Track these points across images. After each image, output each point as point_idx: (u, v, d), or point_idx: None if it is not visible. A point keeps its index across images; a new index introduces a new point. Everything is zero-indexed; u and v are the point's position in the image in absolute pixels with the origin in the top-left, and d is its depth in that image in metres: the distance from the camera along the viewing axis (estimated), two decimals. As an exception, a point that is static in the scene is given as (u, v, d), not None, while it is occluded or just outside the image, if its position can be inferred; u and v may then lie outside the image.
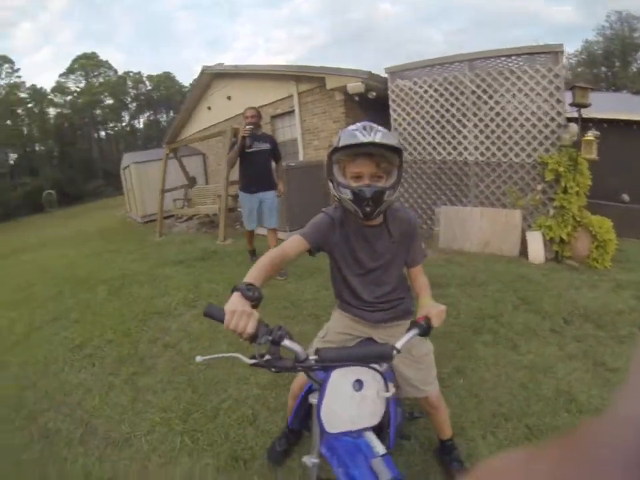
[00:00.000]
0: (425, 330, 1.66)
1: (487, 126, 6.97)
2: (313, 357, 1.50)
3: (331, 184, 1.89)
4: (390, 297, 2.12)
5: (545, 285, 5.27)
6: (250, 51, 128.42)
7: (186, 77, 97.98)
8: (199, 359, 1.40)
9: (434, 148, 7.56)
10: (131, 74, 64.96)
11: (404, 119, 7.91)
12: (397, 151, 1.77)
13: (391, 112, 8.09)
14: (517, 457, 0.39)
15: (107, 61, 62.66)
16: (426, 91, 7.56)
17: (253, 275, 1.61)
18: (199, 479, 2.53)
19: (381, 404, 1.58)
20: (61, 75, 60.41)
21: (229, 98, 12.95)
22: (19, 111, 56.34)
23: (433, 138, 7.55)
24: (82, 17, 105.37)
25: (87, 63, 60.19)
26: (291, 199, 8.51)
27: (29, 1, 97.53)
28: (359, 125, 1.79)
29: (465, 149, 7.22)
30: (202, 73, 14.01)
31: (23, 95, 56.76)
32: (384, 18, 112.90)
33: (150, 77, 65.62)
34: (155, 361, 3.96)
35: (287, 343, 1.46)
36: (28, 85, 57.70)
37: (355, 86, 8.42)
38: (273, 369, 1.44)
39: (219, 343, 4.10)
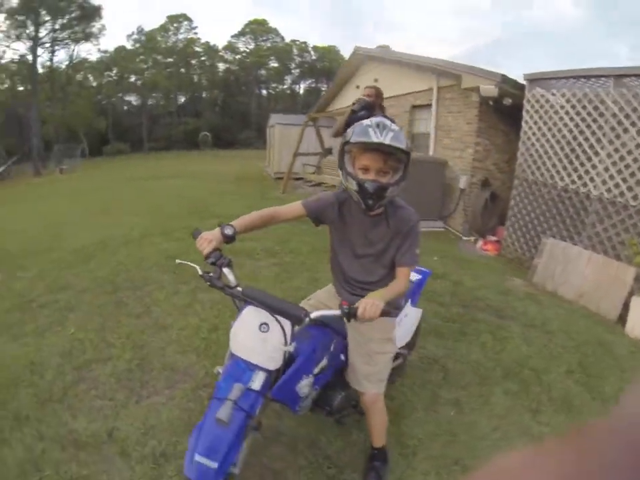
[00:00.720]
0: (345, 314, 1.77)
1: (622, 158, 5.75)
2: (239, 288, 1.86)
3: (340, 171, 2.04)
4: (374, 287, 2.12)
5: (622, 364, 4.03)
6: (418, 36, 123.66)
7: (349, 52, 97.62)
8: (177, 261, 2.07)
9: (557, 172, 6.75)
10: (297, 42, 67.64)
11: (534, 134, 7.20)
12: (405, 152, 1.91)
13: (523, 123, 7.43)
14: (525, 456, 0.38)
15: (275, 29, 66.59)
16: (562, 106, 6.65)
17: (240, 220, 2.00)
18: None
19: (280, 355, 1.80)
20: (232, 36, 65.96)
21: (375, 80, 12.92)
22: (193, 61, 63.36)
23: (560, 160, 6.72)
24: None
25: (257, 29, 64.98)
26: (406, 190, 8.37)
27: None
28: (373, 120, 1.91)
29: (592, 180, 6.20)
30: (354, 52, 14.50)
31: (197, 49, 63.45)
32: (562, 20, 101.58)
33: (315, 48, 67.62)
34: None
35: (225, 270, 1.88)
36: (202, 41, 64.18)
37: (488, 89, 7.91)
38: (208, 284, 1.84)
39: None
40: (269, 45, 65.64)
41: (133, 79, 60.02)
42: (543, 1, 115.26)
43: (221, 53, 65.22)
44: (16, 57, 40.56)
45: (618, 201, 5.80)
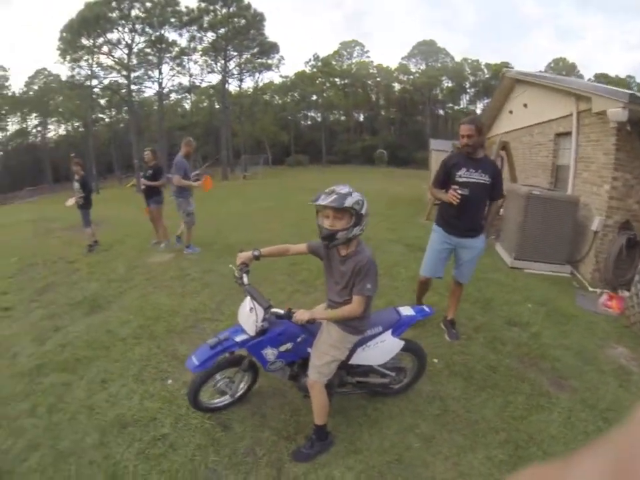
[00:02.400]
0: (282, 315, 2.85)
1: None
2: (246, 284, 3.04)
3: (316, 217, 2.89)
4: (340, 306, 2.95)
5: None
6: (603, 43, 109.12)
7: (525, 67, 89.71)
8: (230, 265, 3.30)
9: None
10: (469, 60, 67.05)
11: None
12: (345, 209, 2.69)
13: None
14: (556, 467, 0.39)
15: (444, 48, 67.42)
16: None
17: (267, 248, 3.15)
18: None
19: (254, 327, 2.98)
20: (403, 58, 68.72)
21: (525, 105, 12.52)
22: (369, 82, 67.18)
23: None
24: (426, 5, 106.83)
25: (426, 50, 66.37)
26: (528, 228, 8.13)
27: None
28: (331, 187, 2.75)
29: None
30: (503, 76, 14.07)
31: (372, 70, 67.70)
32: None
33: (488, 65, 65.58)
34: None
35: (244, 275, 3.09)
36: (375, 63, 68.44)
37: (615, 112, 6.80)
38: (235, 280, 3.12)
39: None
40: (439, 65, 66.21)
41: (313, 97, 66.26)
42: None
43: (394, 74, 67.79)
44: (212, 83, 52.48)
45: None
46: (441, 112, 68.87)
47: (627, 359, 4.87)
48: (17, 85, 64.09)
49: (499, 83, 14.75)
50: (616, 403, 3.89)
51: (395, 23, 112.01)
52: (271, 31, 54.79)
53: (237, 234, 9.95)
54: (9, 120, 61.13)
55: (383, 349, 3.33)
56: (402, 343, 3.40)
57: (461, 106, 68.11)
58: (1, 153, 63.57)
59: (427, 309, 3.71)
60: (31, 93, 59.99)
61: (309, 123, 71.62)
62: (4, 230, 13.42)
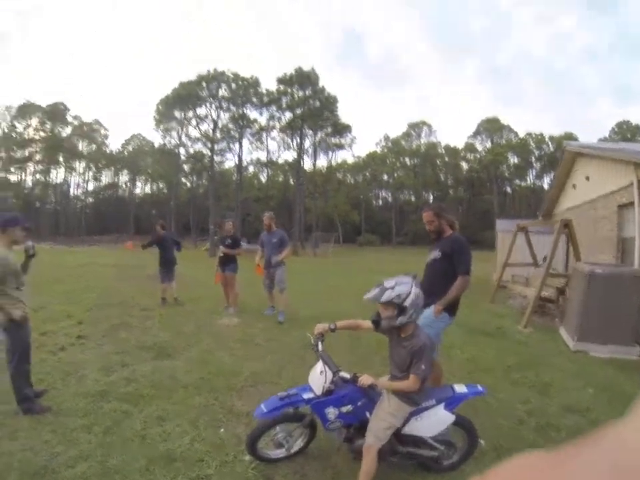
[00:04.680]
0: (348, 379, 3.09)
1: None
2: (320, 350, 3.34)
3: None
4: (400, 379, 3.09)
5: None
6: None
7: (590, 135, 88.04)
8: (307, 333, 3.63)
9: None
10: (533, 135, 67.01)
11: None
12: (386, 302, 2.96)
13: None
14: (536, 460, 0.40)
15: (507, 125, 67.70)
16: None
17: (341, 322, 3.47)
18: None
19: (322, 388, 3.18)
20: (469, 137, 69.92)
21: (587, 178, 12.16)
22: (438, 161, 68.80)
23: None
24: (488, 83, 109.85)
25: (490, 127, 67.04)
26: (590, 308, 7.48)
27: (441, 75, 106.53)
28: (380, 281, 3.08)
29: None
30: (563, 150, 13.83)
31: (440, 150, 69.15)
32: None
33: (552, 138, 65.24)
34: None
35: (320, 344, 3.38)
36: (443, 144, 69.89)
37: None
38: (311, 347, 3.45)
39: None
40: (503, 141, 66.36)
41: (384, 177, 68.26)
42: None
43: (462, 154, 68.91)
44: (288, 159, 55.23)
45: None
46: (509, 189, 68.49)
47: None
48: (114, 144, 76.27)
49: (561, 158, 14.47)
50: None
51: (460, 101, 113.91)
52: (344, 112, 57.50)
53: (305, 309, 9.98)
54: (104, 173, 74.45)
55: (434, 420, 3.36)
56: (453, 417, 3.39)
57: (528, 182, 67.65)
58: (92, 200, 75.28)
59: (480, 387, 3.67)
60: (125, 152, 72.36)
61: (380, 202, 73.19)
62: (89, 269, 14.79)
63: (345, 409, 3.24)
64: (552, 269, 10.60)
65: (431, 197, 70.06)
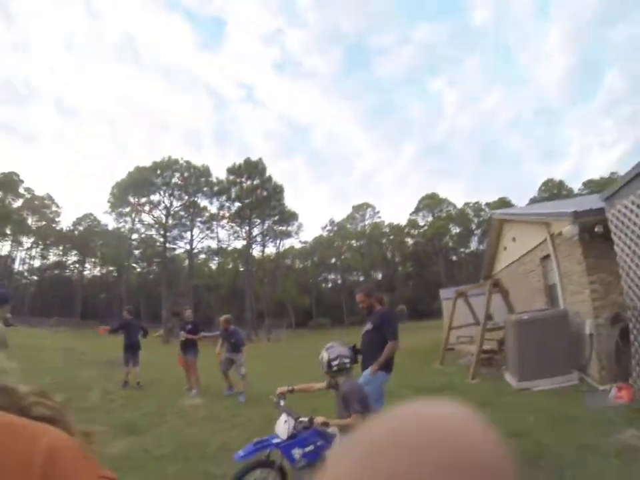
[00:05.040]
0: (306, 423, 3.62)
1: None
2: (282, 405, 3.94)
3: None
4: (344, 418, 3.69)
5: None
6: (584, 153, 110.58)
7: (522, 195, 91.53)
8: (270, 396, 4.29)
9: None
10: (471, 204, 70.98)
11: (627, 254, 6.47)
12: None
13: (615, 247, 6.80)
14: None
15: (446, 198, 71.13)
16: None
17: (297, 385, 4.15)
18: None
19: (287, 433, 3.71)
20: (411, 214, 72.28)
21: (513, 239, 13.29)
22: (383, 241, 70.44)
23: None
24: (426, 160, 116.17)
25: (430, 202, 70.11)
26: (525, 350, 8.39)
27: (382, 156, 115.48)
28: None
29: None
30: (490, 219, 15.17)
31: (384, 230, 71.28)
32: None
33: (488, 204, 68.85)
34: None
35: (281, 401, 3.99)
36: (387, 222, 72.29)
37: (567, 230, 7.73)
38: (274, 405, 4.09)
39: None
40: (443, 214, 69.42)
41: (332, 260, 68.72)
42: None
43: (405, 230, 71.09)
44: (238, 247, 55.33)
45: None
46: (455, 257, 70.59)
47: (637, 439, 4.89)
48: (65, 222, 72.25)
49: (490, 225, 15.69)
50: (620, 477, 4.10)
51: (401, 179, 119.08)
52: (290, 198, 59.16)
53: (264, 388, 9.83)
54: (51, 251, 68.94)
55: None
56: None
57: (471, 248, 69.95)
58: (37, 278, 69.24)
59: None
60: (75, 232, 67.60)
61: (330, 285, 73.43)
62: (36, 353, 14.28)
63: (307, 449, 3.78)
64: (492, 324, 11.56)
65: (380, 275, 71.10)
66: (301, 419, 3.76)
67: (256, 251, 55.99)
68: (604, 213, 7.13)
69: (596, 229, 7.54)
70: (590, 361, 8.20)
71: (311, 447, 3.82)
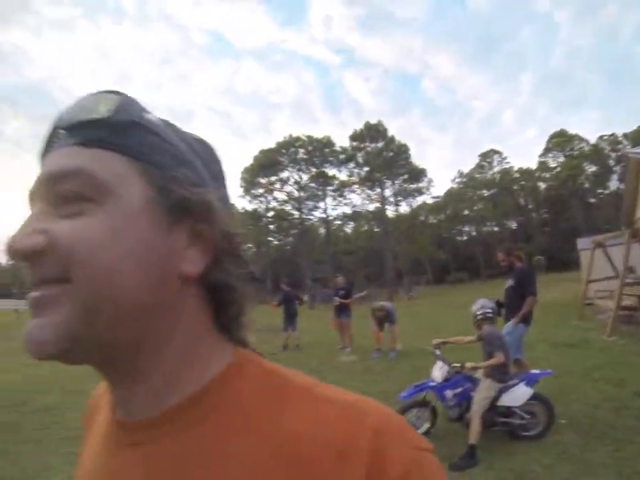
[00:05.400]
0: (457, 368, 4.82)
1: None
2: (438, 354, 5.05)
3: None
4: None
5: None
6: None
7: None
8: (427, 347, 5.71)
9: None
10: (606, 137, 63.96)
11: None
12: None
13: None
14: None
15: (577, 134, 64.46)
16: None
17: (450, 338, 5.38)
18: None
19: (441, 378, 4.72)
20: (540, 155, 67.41)
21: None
22: (515, 187, 67.00)
23: None
24: (545, 93, 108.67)
25: (560, 141, 64.37)
26: None
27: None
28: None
29: None
30: (627, 158, 14.09)
31: (515, 175, 67.56)
32: None
33: (626, 135, 61.69)
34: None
35: (437, 351, 5.10)
36: (516, 168, 68.24)
37: None
38: (433, 354, 5.17)
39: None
40: (577, 152, 63.61)
41: (465, 212, 67.24)
42: None
43: (536, 174, 67.23)
44: (372, 208, 55.25)
45: None
46: (593, 200, 64.65)
47: None
48: None
49: (626, 165, 14.56)
50: None
51: (524, 119, 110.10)
52: (415, 157, 58.21)
53: (410, 344, 10.74)
54: None
55: (518, 394, 4.66)
56: (532, 390, 4.68)
57: (611, 188, 62.80)
58: None
59: (549, 370, 5.12)
60: None
61: (465, 238, 72.07)
62: None
63: (457, 390, 4.67)
64: (634, 278, 11.31)
65: (514, 225, 68.70)
66: (454, 365, 4.76)
67: (390, 212, 55.98)
68: None
69: None
70: None
71: (460, 389, 4.70)
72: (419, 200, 58.29)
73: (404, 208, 58.18)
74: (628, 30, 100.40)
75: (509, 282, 6.33)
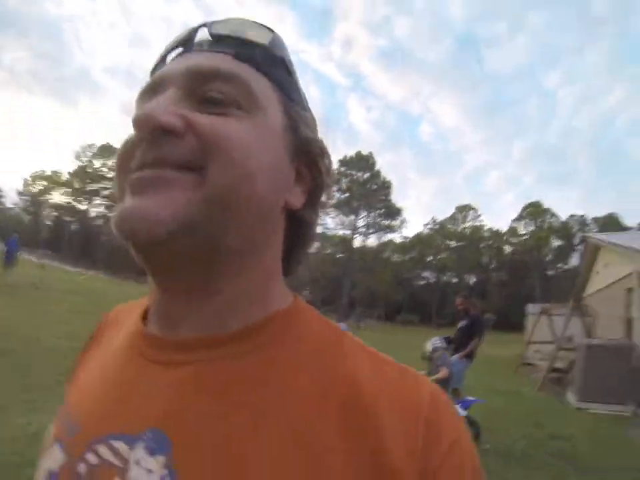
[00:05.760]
0: None
1: None
2: None
3: None
4: None
5: None
6: None
7: (636, 216, 78.06)
8: None
9: None
10: (576, 217, 67.56)
11: None
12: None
13: None
14: None
15: (549, 209, 67.42)
16: None
17: None
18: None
19: None
20: (512, 220, 69.98)
21: (605, 265, 13.67)
22: (481, 245, 68.66)
23: None
24: (532, 164, 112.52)
25: (533, 211, 67.16)
26: (589, 373, 9.12)
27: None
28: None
29: None
30: (585, 241, 15.53)
31: (485, 233, 69.82)
32: None
33: (596, 219, 66.02)
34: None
35: None
36: (487, 227, 70.82)
37: None
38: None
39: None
40: (546, 225, 66.54)
41: (429, 258, 68.40)
42: None
43: (505, 237, 69.46)
44: (339, 233, 56.27)
45: None
46: (552, 272, 66.83)
47: None
48: None
49: (585, 248, 15.82)
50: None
51: (507, 183, 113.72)
52: (395, 192, 60.31)
53: None
54: None
55: None
56: (465, 413, 5.15)
57: (570, 264, 64.70)
58: None
59: (482, 399, 5.92)
60: None
61: (423, 283, 72.61)
62: None
63: None
64: (572, 345, 11.98)
65: (473, 280, 69.97)
66: None
67: (357, 241, 57.52)
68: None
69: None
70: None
71: None
72: (389, 236, 59.83)
73: (372, 240, 59.37)
74: (622, 121, 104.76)
75: (462, 322, 7.11)
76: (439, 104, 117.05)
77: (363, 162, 54.04)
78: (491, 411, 7.67)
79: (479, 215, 71.63)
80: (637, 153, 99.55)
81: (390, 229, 58.11)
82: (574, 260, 64.25)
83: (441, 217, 72.68)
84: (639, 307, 10.03)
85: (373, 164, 54.76)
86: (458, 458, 0.43)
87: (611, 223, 62.81)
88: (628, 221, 61.17)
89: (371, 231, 57.41)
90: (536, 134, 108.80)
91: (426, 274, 72.18)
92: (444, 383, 5.12)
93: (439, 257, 67.89)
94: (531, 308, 21.66)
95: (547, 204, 68.25)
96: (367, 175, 54.29)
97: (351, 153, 55.54)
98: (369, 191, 53.74)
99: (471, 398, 5.62)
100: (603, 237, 14.78)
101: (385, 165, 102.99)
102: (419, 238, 68.29)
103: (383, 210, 55.85)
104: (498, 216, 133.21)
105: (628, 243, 10.96)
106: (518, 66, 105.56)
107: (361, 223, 55.93)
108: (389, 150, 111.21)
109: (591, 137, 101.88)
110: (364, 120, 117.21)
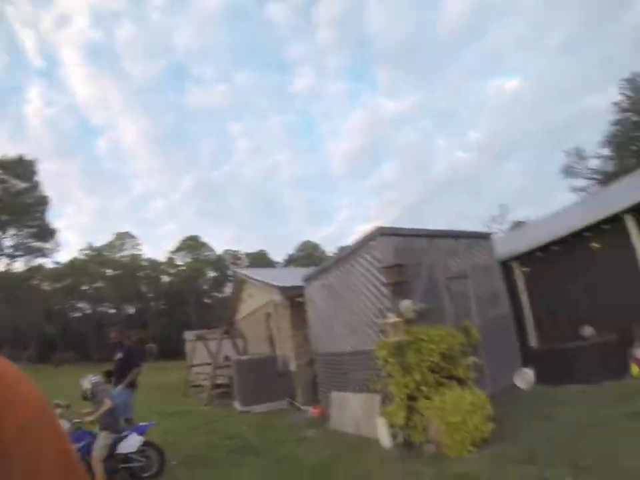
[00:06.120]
0: (77, 424, 5.87)
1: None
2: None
3: None
4: None
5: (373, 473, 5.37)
6: (349, 220, 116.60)
7: (281, 253, 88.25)
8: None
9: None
10: (231, 251, 75.17)
11: (312, 319, 10.22)
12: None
13: (307, 313, 10.42)
14: None
15: (206, 243, 72.60)
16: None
17: None
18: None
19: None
20: (171, 252, 71.92)
21: (250, 295, 16.26)
22: (139, 274, 67.61)
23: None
24: (197, 199, 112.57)
25: (191, 244, 71.32)
26: (244, 383, 11.26)
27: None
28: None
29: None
30: (233, 276, 18.17)
31: (143, 263, 69.12)
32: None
33: (248, 254, 74.76)
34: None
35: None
36: (146, 256, 70.37)
37: (278, 298, 11.57)
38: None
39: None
40: (202, 258, 71.13)
41: (85, 287, 62.57)
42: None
43: (162, 267, 70.52)
44: None
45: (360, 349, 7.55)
46: (209, 300, 70.95)
47: (312, 433, 7.57)
48: None
49: (235, 280, 18.62)
50: (290, 454, 6.47)
51: (170, 215, 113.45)
52: (52, 213, 51.86)
53: None
54: None
55: (132, 441, 5.68)
56: (142, 438, 5.79)
57: (225, 293, 68.00)
58: None
59: (152, 422, 6.45)
60: None
61: (79, 314, 65.20)
62: None
63: (80, 444, 5.42)
64: (229, 363, 14.20)
65: (133, 309, 67.69)
66: (75, 420, 5.63)
67: (1, 264, 47.01)
68: (303, 289, 10.40)
69: (298, 299, 10.78)
70: (296, 390, 11.25)
71: (82, 443, 5.42)
72: (39, 261, 51.35)
73: (18, 265, 49.65)
74: (283, 175, 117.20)
75: (119, 354, 7.69)
76: (126, 121, 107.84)
77: (22, 169, 44.66)
78: (169, 430, 8.88)
79: (139, 244, 70.38)
80: (286, 202, 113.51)
81: (41, 252, 49.42)
82: (228, 289, 69.66)
83: (98, 243, 67.31)
84: (276, 327, 12.68)
85: (34, 173, 46.01)
86: None
87: (260, 258, 73.04)
88: (275, 257, 75.65)
89: (19, 253, 48.04)
90: (205, 172, 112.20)
91: (81, 305, 65.14)
92: (112, 415, 5.62)
93: (94, 285, 62.97)
94: (188, 335, 23.78)
95: (205, 238, 73.14)
96: (24, 185, 45.17)
97: (13, 153, 45.30)
98: (23, 204, 44.75)
99: (143, 423, 6.24)
100: (248, 272, 18.19)
101: (47, 175, 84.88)
102: (73, 264, 60.81)
103: (36, 229, 47.09)
104: (157, 246, 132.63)
105: (264, 279, 13.61)
106: (213, 105, 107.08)
107: (8, 242, 46.68)
108: (56, 158, 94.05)
109: (253, 183, 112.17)
110: (38, 114, 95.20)
